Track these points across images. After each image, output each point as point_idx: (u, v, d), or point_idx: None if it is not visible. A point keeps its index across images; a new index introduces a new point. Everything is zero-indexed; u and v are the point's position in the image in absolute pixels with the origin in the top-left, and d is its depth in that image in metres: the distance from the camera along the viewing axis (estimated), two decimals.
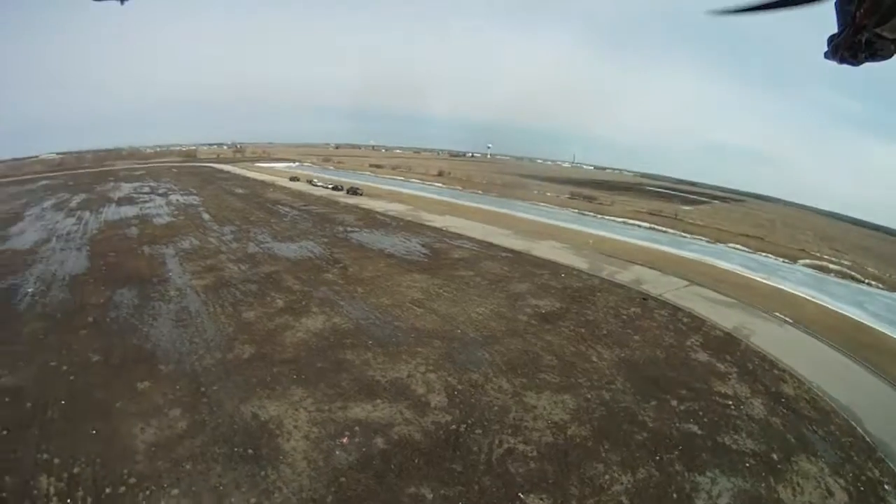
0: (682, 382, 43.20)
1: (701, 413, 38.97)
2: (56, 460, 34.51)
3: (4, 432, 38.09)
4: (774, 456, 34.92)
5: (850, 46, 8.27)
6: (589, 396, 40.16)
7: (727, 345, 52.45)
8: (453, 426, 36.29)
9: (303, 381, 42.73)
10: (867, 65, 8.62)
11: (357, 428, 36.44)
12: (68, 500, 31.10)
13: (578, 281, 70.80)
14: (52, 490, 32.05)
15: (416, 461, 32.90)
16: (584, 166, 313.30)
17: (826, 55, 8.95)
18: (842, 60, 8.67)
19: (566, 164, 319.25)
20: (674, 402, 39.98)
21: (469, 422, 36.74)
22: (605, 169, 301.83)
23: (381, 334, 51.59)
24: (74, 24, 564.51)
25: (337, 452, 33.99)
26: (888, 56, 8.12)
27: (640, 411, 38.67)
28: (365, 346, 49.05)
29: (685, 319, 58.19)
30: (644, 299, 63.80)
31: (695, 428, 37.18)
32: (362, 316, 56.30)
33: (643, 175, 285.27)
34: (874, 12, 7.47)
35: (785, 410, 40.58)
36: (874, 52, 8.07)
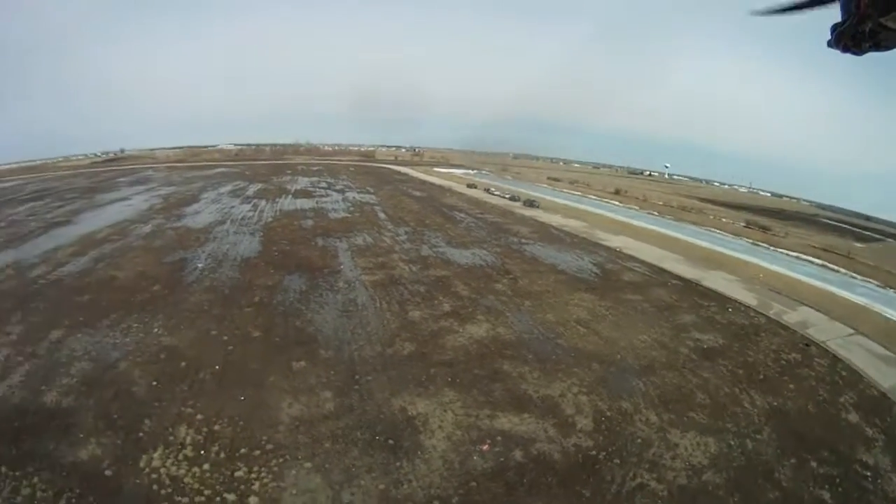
0: (826, 443, 40.47)
1: (837, 480, 36.46)
2: (199, 416, 37.68)
3: (154, 383, 41.32)
4: None
5: (853, 36, 8.12)
6: (732, 443, 38.81)
7: (879, 407, 48.25)
8: (593, 452, 36.26)
9: (456, 384, 43.82)
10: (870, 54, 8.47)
11: (499, 438, 37.16)
12: (202, 451, 34.05)
13: (744, 318, 67.59)
14: (188, 440, 35.19)
15: (549, 479, 33.26)
16: (762, 192, 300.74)
17: (829, 44, 8.79)
18: (845, 50, 8.53)
19: (743, 189, 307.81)
20: (813, 464, 37.77)
21: (609, 450, 36.55)
22: (782, 196, 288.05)
23: (542, 350, 51.66)
24: (257, 24, 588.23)
25: (474, 458, 34.90)
26: (892, 46, 7.97)
27: (779, 468, 36.93)
28: (524, 359, 49.31)
29: (843, 372, 54.16)
30: (806, 345, 60.30)
31: (827, 496, 35.00)
32: (525, 329, 56.48)
33: (818, 206, 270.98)
34: (878, 2, 7.30)
35: None
36: (877, 42, 7.94)
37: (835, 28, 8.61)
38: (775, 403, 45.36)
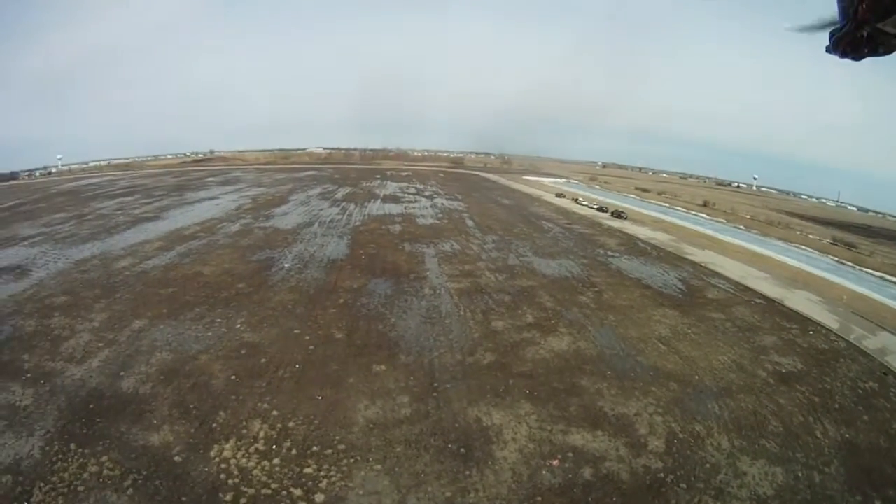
0: (893, 481, 38.92)
1: None
2: (274, 412, 39.55)
3: (233, 377, 43.96)
4: None
5: (851, 41, 8.29)
6: (800, 475, 38.06)
7: None
8: (661, 474, 36.33)
9: (534, 397, 44.44)
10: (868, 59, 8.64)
11: (570, 454, 37.67)
12: (273, 447, 35.74)
13: (825, 342, 65.36)
14: (261, 434, 37.03)
15: (614, 500, 33.68)
16: (849, 206, 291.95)
17: (828, 49, 9.02)
18: (843, 55, 8.80)
19: (830, 203, 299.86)
20: (878, 502, 36.38)
21: (678, 473, 36.52)
22: (868, 211, 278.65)
23: (621, 367, 51.61)
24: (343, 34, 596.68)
25: (543, 472, 35.60)
26: (890, 51, 8.20)
27: None
28: (602, 375, 49.46)
29: None
30: (884, 374, 58.33)
31: None
32: (607, 344, 56.52)
33: None
34: (876, 8, 7.51)
35: None
36: (875, 46, 8.09)
37: (833, 34, 8.89)
38: (847, 435, 44.28)
